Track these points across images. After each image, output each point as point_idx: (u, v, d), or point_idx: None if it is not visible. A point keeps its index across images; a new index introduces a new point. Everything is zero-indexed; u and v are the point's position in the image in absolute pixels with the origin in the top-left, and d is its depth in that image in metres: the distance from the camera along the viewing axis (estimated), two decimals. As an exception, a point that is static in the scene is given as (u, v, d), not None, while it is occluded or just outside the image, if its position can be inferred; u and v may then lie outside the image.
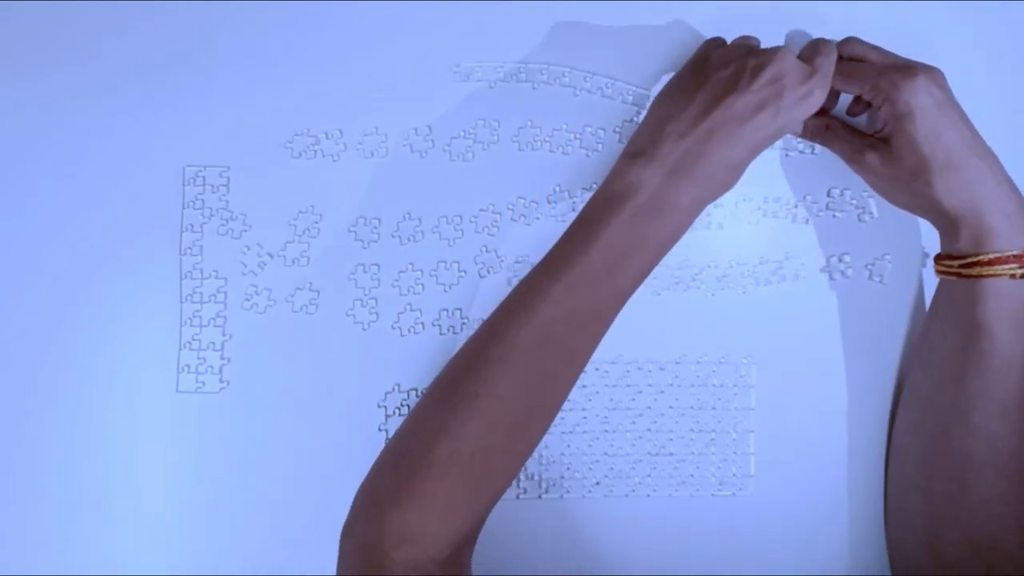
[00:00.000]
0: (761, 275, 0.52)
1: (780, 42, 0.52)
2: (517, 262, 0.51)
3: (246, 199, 0.51)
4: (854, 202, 0.52)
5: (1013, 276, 0.43)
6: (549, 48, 0.51)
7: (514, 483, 0.50)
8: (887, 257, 0.52)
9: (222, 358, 0.50)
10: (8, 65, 0.50)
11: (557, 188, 0.51)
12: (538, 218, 0.51)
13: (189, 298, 0.50)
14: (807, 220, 0.52)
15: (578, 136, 0.51)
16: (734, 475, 0.51)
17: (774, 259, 0.52)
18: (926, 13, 0.53)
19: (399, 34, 0.51)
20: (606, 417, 0.51)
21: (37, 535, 0.49)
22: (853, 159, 0.47)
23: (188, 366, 0.50)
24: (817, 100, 0.43)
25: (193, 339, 0.50)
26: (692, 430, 0.51)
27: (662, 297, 0.52)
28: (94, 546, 0.49)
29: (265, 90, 0.51)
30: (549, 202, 0.51)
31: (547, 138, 0.51)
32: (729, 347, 0.52)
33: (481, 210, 0.51)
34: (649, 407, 0.51)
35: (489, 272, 0.51)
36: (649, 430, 0.51)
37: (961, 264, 0.44)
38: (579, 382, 0.51)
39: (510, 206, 0.51)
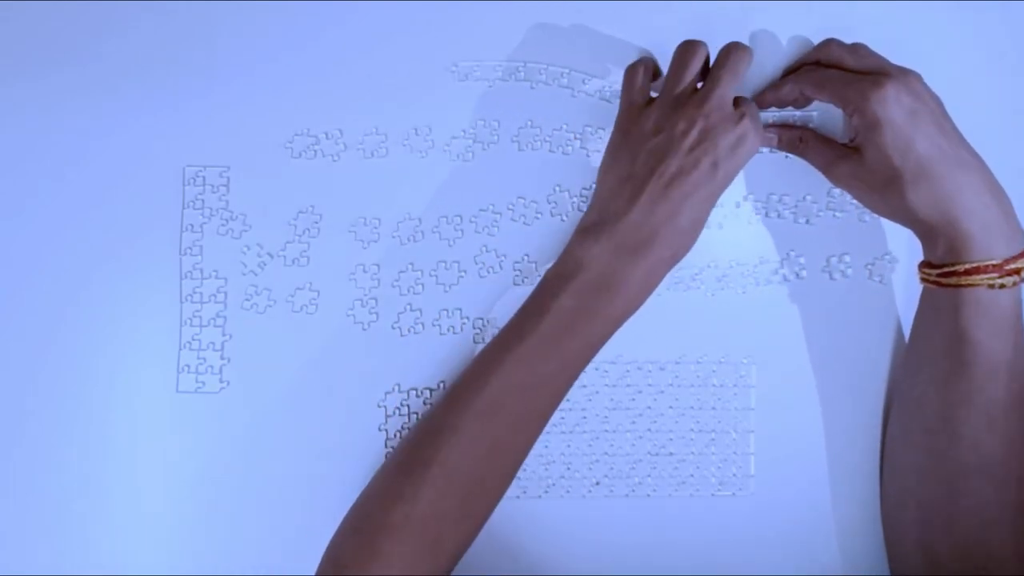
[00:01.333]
0: (761, 275, 0.52)
1: (778, 44, 0.52)
2: (517, 262, 0.51)
3: (246, 199, 0.51)
4: (854, 202, 0.52)
5: (992, 286, 0.42)
6: (549, 48, 0.51)
7: (514, 483, 0.50)
8: (887, 257, 0.52)
9: (222, 358, 0.50)
10: (8, 65, 0.50)
11: (557, 188, 0.51)
12: (538, 218, 0.51)
13: (189, 298, 0.50)
14: (807, 220, 0.52)
15: (578, 136, 0.51)
16: (734, 475, 0.51)
17: (774, 259, 0.52)
18: (926, 13, 0.53)
19: (399, 34, 0.51)
20: (606, 417, 0.51)
21: (37, 535, 0.49)
22: (827, 170, 0.47)
23: (188, 366, 0.50)
24: (752, 141, 0.43)
25: (193, 339, 0.50)
26: (692, 430, 0.51)
27: (662, 297, 0.52)
28: (94, 546, 0.49)
29: (265, 90, 0.51)
30: (549, 202, 0.51)
31: (547, 138, 0.51)
32: (729, 347, 0.52)
33: (481, 210, 0.51)
34: (649, 407, 0.51)
35: (489, 272, 0.51)
36: (649, 430, 0.51)
37: (939, 273, 0.43)
38: (579, 382, 0.51)
39: (510, 206, 0.51)
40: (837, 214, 0.52)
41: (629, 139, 0.45)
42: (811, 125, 0.51)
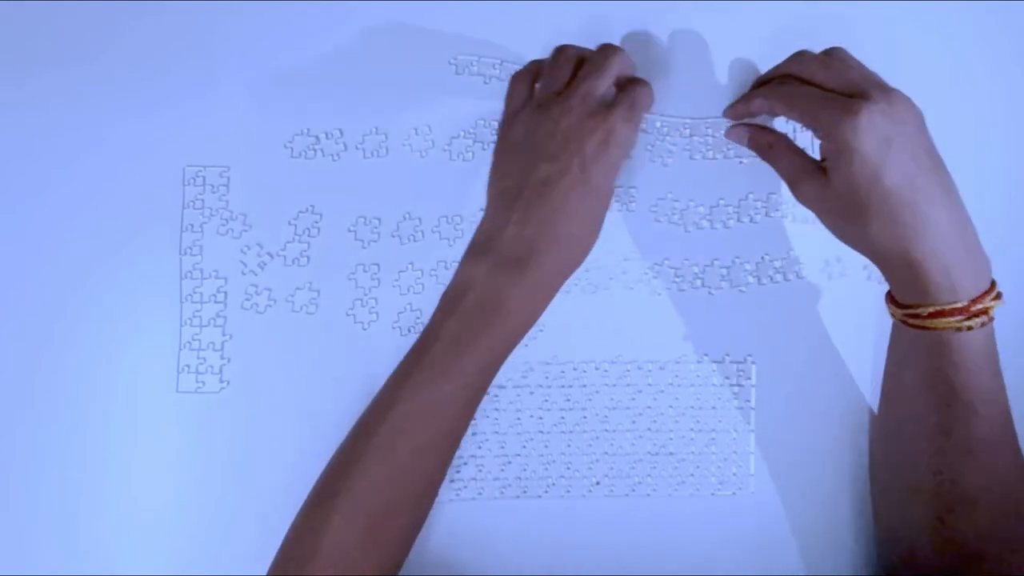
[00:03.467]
0: (761, 275, 0.52)
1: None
2: (517, 262, 0.51)
3: (246, 199, 0.51)
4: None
5: (959, 329, 0.40)
6: (549, 48, 0.51)
7: (514, 483, 0.50)
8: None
9: (222, 358, 0.50)
10: (8, 65, 0.50)
11: (557, 188, 0.51)
12: (538, 218, 0.51)
13: (189, 298, 0.50)
14: (807, 220, 0.52)
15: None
16: (734, 475, 0.51)
17: (774, 259, 0.52)
18: (926, 13, 0.53)
19: (399, 34, 0.51)
20: (606, 417, 0.51)
21: (37, 535, 0.49)
22: (792, 185, 0.45)
23: (188, 366, 0.50)
24: (623, 135, 0.42)
25: (193, 339, 0.50)
26: (692, 430, 0.51)
27: (662, 297, 0.52)
28: (94, 546, 0.49)
29: (265, 90, 0.51)
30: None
31: (547, 138, 0.51)
32: (729, 347, 0.52)
33: (481, 210, 0.51)
34: (649, 407, 0.51)
35: (489, 272, 0.51)
36: (649, 430, 0.51)
37: (904, 313, 0.42)
38: (579, 382, 0.51)
39: (510, 206, 0.51)
40: (837, 214, 0.52)
41: (506, 148, 0.44)
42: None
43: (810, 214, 0.52)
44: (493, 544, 0.50)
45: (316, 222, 0.51)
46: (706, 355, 0.52)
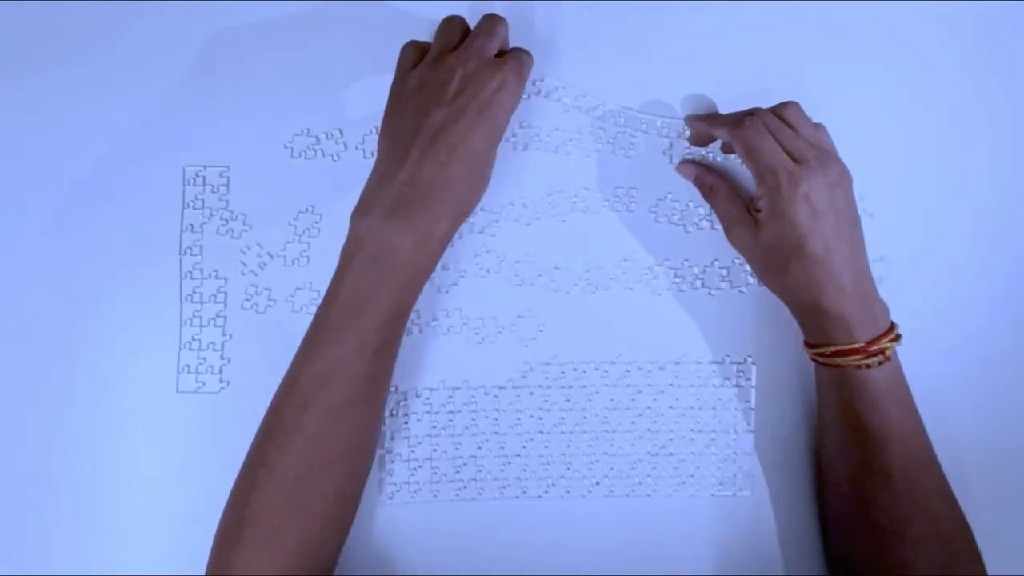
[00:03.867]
0: (761, 275, 0.52)
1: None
2: (517, 262, 0.51)
3: (246, 199, 0.50)
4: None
5: (859, 367, 0.44)
6: (548, 48, 0.51)
7: (515, 483, 0.50)
8: (886, 257, 0.52)
9: (222, 358, 0.50)
10: (8, 65, 0.50)
11: (557, 188, 0.51)
12: (538, 218, 0.51)
13: (189, 298, 0.50)
14: (807, 220, 0.52)
15: (578, 135, 0.51)
16: (734, 475, 0.51)
17: (774, 259, 0.52)
18: (926, 13, 0.53)
19: (399, 34, 0.51)
20: (606, 417, 0.51)
21: (37, 535, 0.49)
22: (726, 228, 0.48)
23: (188, 366, 0.50)
24: (515, 84, 0.43)
25: (193, 339, 0.50)
26: (692, 430, 0.51)
27: (662, 297, 0.52)
28: (94, 546, 0.49)
29: (265, 90, 0.51)
30: (547, 203, 0.51)
31: (547, 138, 0.51)
32: (729, 347, 0.52)
33: (481, 210, 0.51)
34: (649, 407, 0.51)
35: (489, 272, 0.51)
36: (649, 430, 0.51)
37: (814, 352, 0.46)
38: (579, 382, 0.51)
39: (509, 206, 0.51)
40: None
41: (399, 103, 0.45)
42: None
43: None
44: (493, 544, 0.50)
45: (316, 222, 0.51)
46: (706, 355, 0.52)
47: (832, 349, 0.44)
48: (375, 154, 0.45)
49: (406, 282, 0.43)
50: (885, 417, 0.44)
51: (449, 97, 0.42)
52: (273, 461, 0.42)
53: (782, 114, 0.45)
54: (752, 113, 0.45)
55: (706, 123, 0.49)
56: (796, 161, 0.43)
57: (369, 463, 0.46)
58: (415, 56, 0.46)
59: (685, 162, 0.51)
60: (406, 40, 0.51)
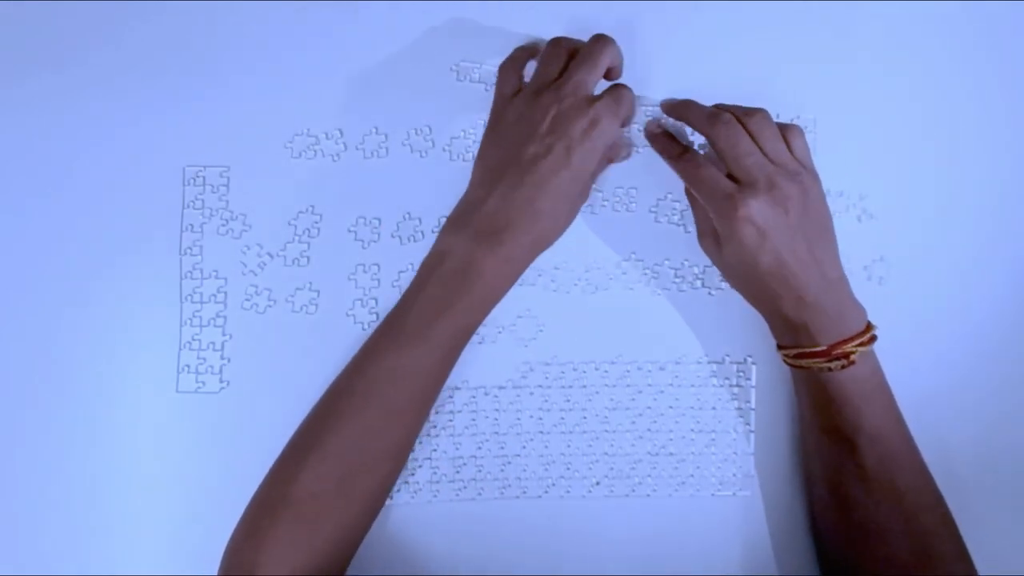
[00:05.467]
0: (761, 275, 0.52)
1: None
2: (517, 262, 0.51)
3: (246, 199, 0.50)
4: (853, 202, 0.52)
5: (822, 369, 0.45)
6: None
7: (515, 483, 0.50)
8: (886, 257, 0.52)
9: (222, 358, 0.50)
10: (8, 65, 0.50)
11: (557, 188, 0.51)
12: (538, 218, 0.51)
13: (189, 298, 0.50)
14: (807, 220, 0.52)
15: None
16: (734, 475, 0.51)
17: (774, 259, 0.52)
18: (926, 13, 0.53)
19: (399, 34, 0.51)
20: (606, 417, 0.51)
21: (37, 535, 0.49)
22: (699, 235, 0.49)
23: (188, 366, 0.50)
24: (606, 125, 0.43)
25: (193, 339, 0.50)
26: (692, 430, 0.51)
27: (662, 297, 0.52)
28: (93, 546, 0.49)
29: (265, 90, 0.51)
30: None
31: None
32: (729, 347, 0.52)
33: (481, 210, 0.51)
34: (649, 407, 0.51)
35: (489, 272, 0.51)
36: (649, 430, 0.51)
37: (783, 354, 0.47)
38: (579, 382, 0.51)
39: (510, 206, 0.51)
40: (836, 215, 0.52)
41: (497, 131, 0.46)
42: None
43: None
44: (493, 544, 0.50)
45: (316, 222, 0.51)
46: (706, 355, 0.52)
47: (795, 352, 0.45)
48: (470, 175, 0.47)
49: (480, 301, 0.44)
50: (855, 416, 0.45)
51: (540, 135, 0.43)
52: (327, 445, 0.43)
53: (747, 123, 0.44)
54: (716, 116, 0.45)
55: (661, 128, 0.50)
56: (745, 181, 0.43)
57: (402, 468, 0.47)
58: (515, 81, 0.48)
59: (655, 131, 0.51)
60: (407, 39, 0.51)
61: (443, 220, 0.51)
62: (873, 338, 0.45)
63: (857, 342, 0.44)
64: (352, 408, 0.43)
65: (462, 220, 0.45)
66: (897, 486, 0.45)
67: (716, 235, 0.46)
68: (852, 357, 0.44)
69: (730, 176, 0.44)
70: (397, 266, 0.51)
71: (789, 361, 0.47)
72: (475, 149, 0.51)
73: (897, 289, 0.52)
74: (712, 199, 0.44)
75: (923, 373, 0.52)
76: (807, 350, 0.45)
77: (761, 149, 0.44)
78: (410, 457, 0.50)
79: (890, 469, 0.45)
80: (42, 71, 0.50)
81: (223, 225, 0.50)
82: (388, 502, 0.49)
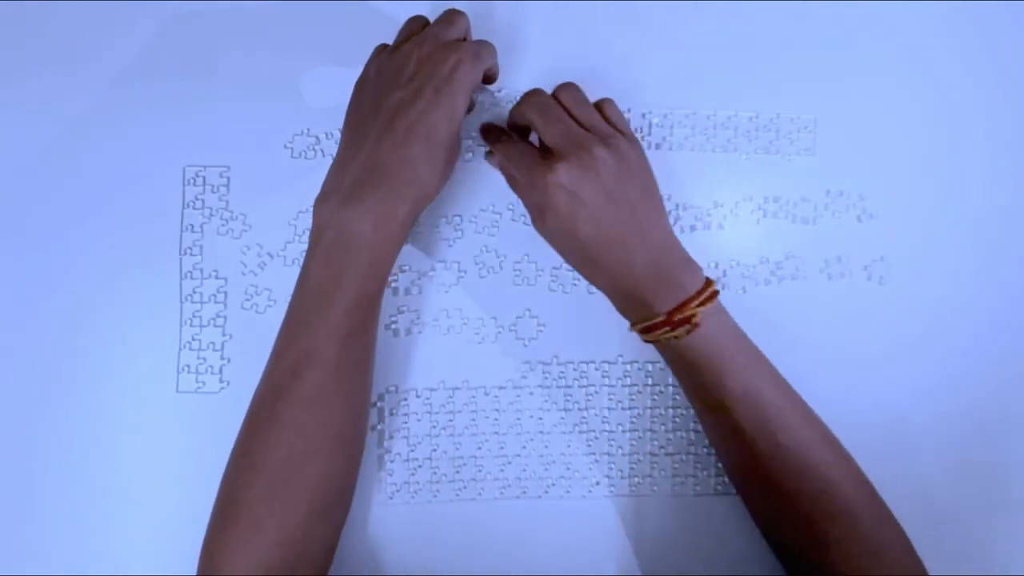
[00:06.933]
0: (761, 275, 0.52)
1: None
2: (517, 262, 0.51)
3: (246, 199, 0.51)
4: (853, 202, 0.52)
5: (669, 338, 0.43)
6: (547, 48, 0.51)
7: (515, 483, 0.50)
8: (886, 257, 0.52)
9: (222, 358, 0.50)
10: (8, 65, 0.50)
11: (557, 188, 0.51)
12: (538, 218, 0.51)
13: (189, 298, 0.50)
14: (807, 220, 0.52)
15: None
16: (734, 475, 0.51)
17: (774, 259, 0.52)
18: (926, 13, 0.53)
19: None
20: (606, 417, 0.51)
21: (37, 535, 0.49)
22: (531, 218, 0.45)
23: (188, 366, 0.50)
24: (471, 66, 0.42)
25: (193, 339, 0.50)
26: (692, 430, 0.51)
27: (662, 297, 0.52)
28: (93, 546, 0.49)
29: (265, 90, 0.51)
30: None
31: (547, 138, 0.51)
32: (729, 347, 0.52)
33: (481, 210, 0.51)
34: (649, 407, 0.51)
35: (489, 272, 0.51)
36: (649, 430, 0.51)
37: (637, 332, 0.45)
38: (579, 382, 0.51)
39: (510, 206, 0.51)
40: (836, 214, 0.52)
41: (359, 91, 0.45)
42: None
43: (810, 214, 0.52)
44: (493, 544, 0.50)
45: (316, 222, 0.51)
46: (706, 355, 0.51)
47: (640, 326, 0.43)
48: (340, 137, 0.46)
49: (369, 266, 0.42)
50: (718, 377, 0.43)
51: (405, 79, 0.42)
52: (253, 452, 0.42)
53: (557, 95, 0.44)
54: (528, 94, 0.44)
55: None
56: (554, 148, 0.42)
57: (356, 455, 0.45)
58: (381, 50, 0.47)
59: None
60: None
61: (442, 220, 0.51)
62: (714, 294, 0.43)
63: (696, 302, 0.42)
64: (268, 410, 0.42)
65: (331, 186, 0.43)
66: (780, 442, 0.43)
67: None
68: (695, 320, 0.42)
69: (546, 149, 0.43)
70: (397, 266, 0.51)
71: (644, 338, 0.44)
72: (475, 149, 0.51)
73: (897, 289, 0.52)
74: (525, 171, 0.43)
75: (923, 373, 0.52)
76: (650, 322, 0.43)
77: (574, 118, 0.43)
78: (410, 457, 0.50)
79: (767, 427, 0.43)
80: (42, 71, 0.50)
81: (223, 225, 0.50)
82: (388, 501, 0.49)
